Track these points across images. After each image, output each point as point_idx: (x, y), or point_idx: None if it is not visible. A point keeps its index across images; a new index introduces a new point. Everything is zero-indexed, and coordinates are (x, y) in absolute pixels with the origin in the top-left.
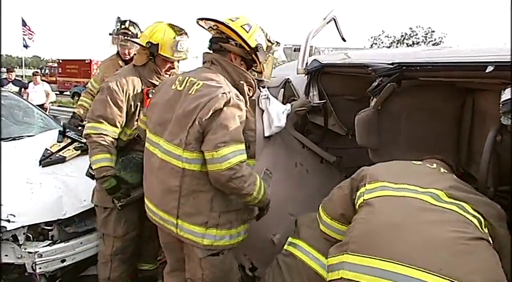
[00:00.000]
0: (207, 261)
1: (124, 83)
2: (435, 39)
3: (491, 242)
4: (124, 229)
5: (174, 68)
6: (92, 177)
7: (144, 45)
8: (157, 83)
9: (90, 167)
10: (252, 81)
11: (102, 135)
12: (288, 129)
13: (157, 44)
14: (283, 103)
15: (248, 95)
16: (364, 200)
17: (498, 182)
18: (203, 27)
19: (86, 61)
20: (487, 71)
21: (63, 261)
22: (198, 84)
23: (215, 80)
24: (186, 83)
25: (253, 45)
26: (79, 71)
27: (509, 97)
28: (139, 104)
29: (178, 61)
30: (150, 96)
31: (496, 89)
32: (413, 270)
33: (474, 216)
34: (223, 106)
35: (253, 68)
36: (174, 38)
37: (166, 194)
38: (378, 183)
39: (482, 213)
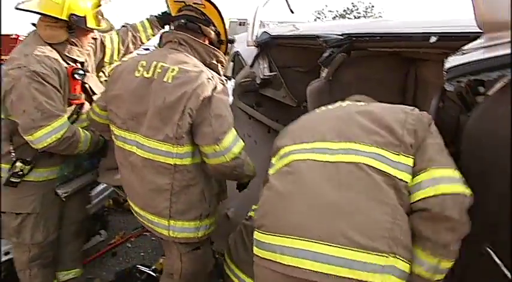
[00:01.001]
0: (187, 256)
1: (51, 64)
2: (375, 14)
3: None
4: (44, 234)
5: (96, 37)
6: (13, 184)
7: (65, 18)
8: (80, 59)
9: (12, 174)
10: (223, 60)
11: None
12: (234, 102)
13: (84, 16)
14: (233, 76)
15: (221, 74)
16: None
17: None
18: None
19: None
20: (430, 41)
21: None
22: (173, 70)
23: (190, 63)
24: (156, 69)
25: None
26: (4, 48)
27: (453, 64)
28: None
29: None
30: (78, 78)
31: (438, 59)
32: (302, 242)
33: (371, 152)
34: (211, 93)
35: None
36: (99, 5)
37: (155, 194)
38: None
39: (391, 122)
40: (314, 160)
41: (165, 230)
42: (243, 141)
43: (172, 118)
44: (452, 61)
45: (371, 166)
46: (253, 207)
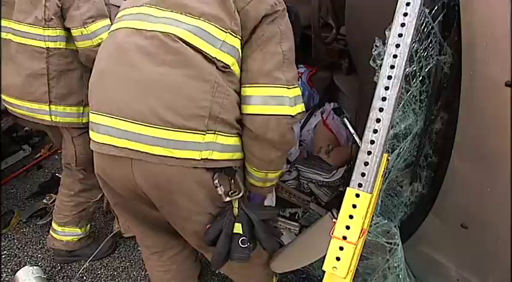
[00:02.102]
0: (79, 139)
1: None
2: None
3: (237, 33)
4: None
5: None
6: None
7: None
8: None
9: None
10: None
11: None
12: None
13: None
14: None
15: None
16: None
17: (338, 23)
18: None
19: None
20: None
21: None
22: None
23: None
24: None
25: None
26: None
27: None
28: None
29: None
30: None
31: None
32: (111, 120)
33: (192, 25)
34: None
35: None
36: None
37: (31, 80)
38: None
39: (211, 12)
40: (132, 28)
41: (47, 115)
42: None
43: (40, 1)
44: None
45: (188, 42)
46: None
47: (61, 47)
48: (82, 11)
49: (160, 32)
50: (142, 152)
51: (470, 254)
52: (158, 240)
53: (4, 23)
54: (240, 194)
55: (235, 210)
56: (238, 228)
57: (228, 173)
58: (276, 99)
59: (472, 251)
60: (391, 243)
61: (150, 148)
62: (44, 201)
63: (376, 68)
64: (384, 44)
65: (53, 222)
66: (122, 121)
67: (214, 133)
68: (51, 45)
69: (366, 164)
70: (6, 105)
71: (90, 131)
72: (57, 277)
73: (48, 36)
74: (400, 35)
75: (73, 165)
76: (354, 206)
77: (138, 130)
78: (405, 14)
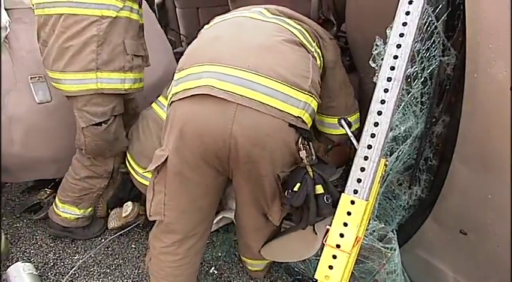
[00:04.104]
0: (88, 129)
1: None
2: None
3: (321, 56)
4: None
5: None
6: None
7: None
8: None
9: None
10: None
11: None
12: None
13: None
14: None
15: None
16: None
17: (339, 21)
18: None
19: None
20: None
21: None
22: None
23: None
24: None
25: None
26: None
27: None
28: None
29: None
30: None
31: None
32: (222, 68)
33: (296, 28)
34: None
35: None
36: None
37: (80, 49)
38: None
39: (308, 25)
40: (242, 16)
41: (93, 83)
42: None
43: None
44: None
45: (295, 34)
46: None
47: (113, 16)
48: None
49: (267, 21)
50: (251, 98)
51: (469, 260)
52: (189, 222)
53: None
54: (314, 159)
55: (311, 173)
56: (320, 189)
57: (309, 138)
58: None
59: (470, 257)
60: (387, 248)
61: (261, 96)
62: (39, 196)
63: (376, 68)
64: (385, 43)
65: (56, 196)
66: (233, 69)
67: (311, 95)
68: (105, 13)
69: (363, 169)
70: (52, 83)
71: (181, 84)
72: (49, 273)
73: (103, 3)
74: (402, 35)
75: (83, 151)
76: (349, 213)
77: (251, 78)
78: (407, 13)
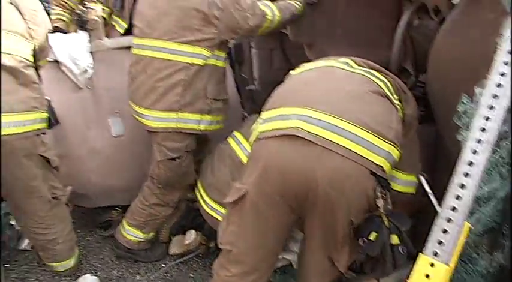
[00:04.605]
0: (164, 163)
1: None
2: None
3: (403, 110)
4: None
5: None
6: None
7: None
8: None
9: None
10: None
11: None
12: None
13: None
14: None
15: None
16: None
17: (418, 71)
18: None
19: None
20: None
21: None
22: None
23: None
24: None
25: None
26: None
27: None
28: None
29: None
30: None
31: None
32: (310, 111)
33: (381, 80)
34: None
35: None
36: None
37: (167, 90)
38: None
39: (392, 79)
40: (331, 66)
41: (173, 122)
42: None
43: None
44: None
45: (380, 86)
46: (233, 131)
47: (201, 64)
48: None
49: (357, 73)
50: (336, 143)
51: None
52: (257, 256)
53: (140, 41)
54: (390, 207)
55: (386, 223)
56: (395, 239)
57: (386, 186)
58: None
59: None
60: None
61: (345, 141)
62: (110, 214)
63: (462, 126)
64: (472, 101)
65: (124, 218)
66: (321, 113)
67: (394, 145)
68: (195, 61)
69: (445, 231)
70: (135, 116)
71: (270, 123)
72: None
73: (194, 53)
74: (495, 96)
75: (155, 180)
76: (427, 276)
77: (337, 123)
78: (502, 74)
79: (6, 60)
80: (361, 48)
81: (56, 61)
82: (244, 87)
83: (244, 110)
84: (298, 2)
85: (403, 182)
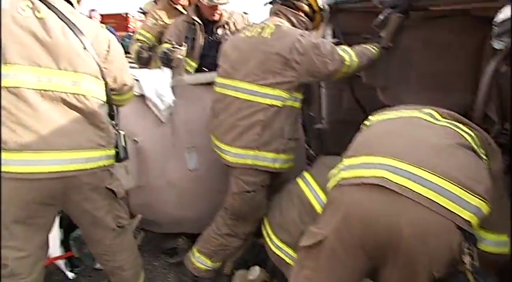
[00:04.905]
0: (237, 196)
1: None
2: None
3: (489, 164)
4: None
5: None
6: None
7: None
8: None
9: None
10: (310, 26)
11: None
12: None
13: None
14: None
15: None
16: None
17: (503, 119)
18: None
19: (123, 15)
20: None
21: None
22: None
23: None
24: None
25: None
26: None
27: (507, 16)
28: None
29: None
30: None
31: None
32: (396, 162)
33: (468, 133)
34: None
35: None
36: None
37: (246, 129)
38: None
39: (478, 132)
40: (415, 116)
41: (250, 159)
42: None
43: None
44: (507, 11)
45: (467, 139)
46: (302, 172)
47: (280, 105)
48: None
49: (443, 125)
50: (422, 195)
51: None
52: None
53: (223, 80)
54: (477, 264)
55: (471, 280)
56: None
57: (472, 241)
58: None
59: None
60: None
61: (432, 194)
62: (176, 242)
63: None
64: None
65: (195, 245)
66: (407, 164)
67: (484, 201)
68: (274, 102)
69: None
70: (216, 150)
71: (353, 170)
72: None
73: (273, 95)
74: None
75: (229, 211)
76: None
77: (422, 174)
78: None
79: (77, 101)
80: (436, 92)
81: (142, 95)
82: (312, 126)
83: (311, 148)
84: (374, 47)
85: (496, 243)
